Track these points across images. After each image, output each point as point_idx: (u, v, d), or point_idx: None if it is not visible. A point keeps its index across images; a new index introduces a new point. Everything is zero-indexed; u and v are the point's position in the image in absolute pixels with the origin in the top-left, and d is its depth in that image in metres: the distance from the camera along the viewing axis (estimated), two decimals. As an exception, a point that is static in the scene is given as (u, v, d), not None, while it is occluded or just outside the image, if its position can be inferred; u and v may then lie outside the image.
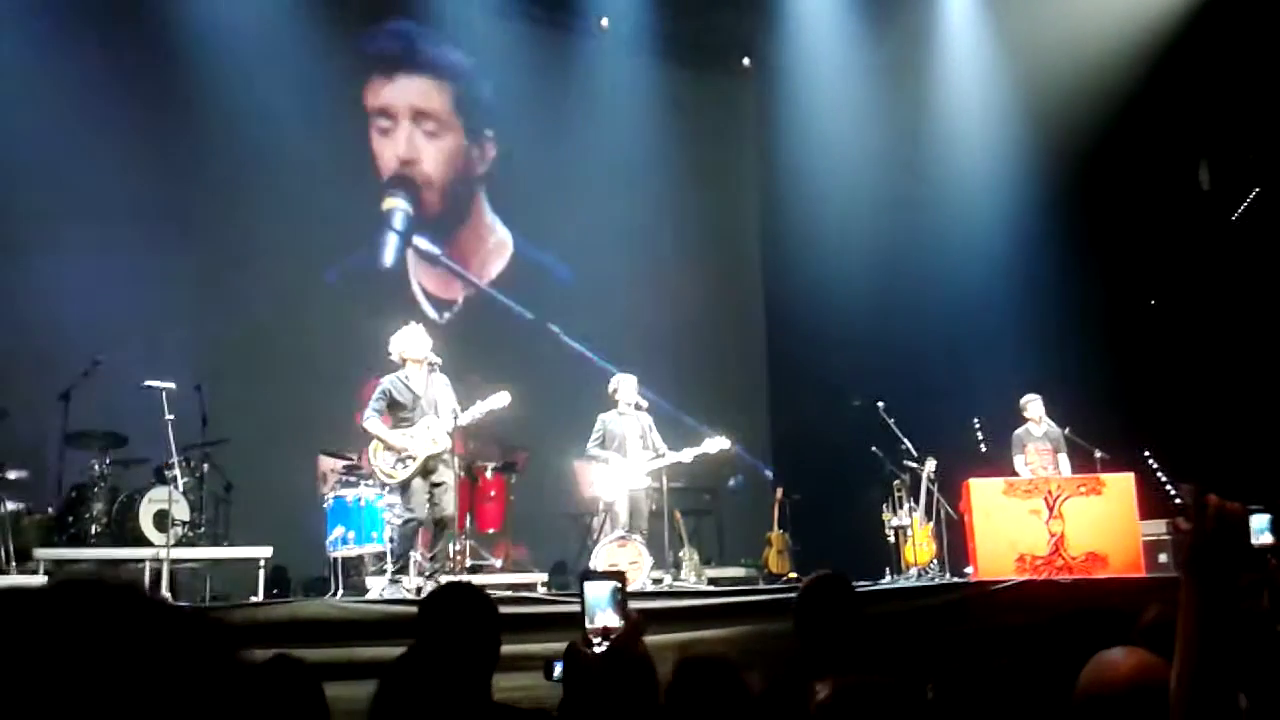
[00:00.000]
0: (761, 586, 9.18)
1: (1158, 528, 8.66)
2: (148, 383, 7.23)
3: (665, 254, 12.24)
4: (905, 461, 9.38)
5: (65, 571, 6.75)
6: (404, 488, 7.02)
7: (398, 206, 10.96)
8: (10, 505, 7.13)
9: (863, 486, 10.19)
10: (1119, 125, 10.43)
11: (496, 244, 11.67)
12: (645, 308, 11.82)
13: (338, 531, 7.46)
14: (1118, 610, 2.44)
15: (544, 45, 11.49)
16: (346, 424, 9.46)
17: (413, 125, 11.06)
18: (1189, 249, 10.56)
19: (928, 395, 10.21)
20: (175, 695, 0.74)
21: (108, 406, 7.69)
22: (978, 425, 9.55)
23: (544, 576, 8.83)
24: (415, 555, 7.22)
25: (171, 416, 7.15)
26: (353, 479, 7.90)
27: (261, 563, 7.51)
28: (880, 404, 9.38)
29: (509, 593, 6.99)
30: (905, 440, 9.30)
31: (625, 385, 8.38)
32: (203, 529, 7.84)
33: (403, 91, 11.12)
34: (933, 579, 8.68)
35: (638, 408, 8.39)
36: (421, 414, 7.06)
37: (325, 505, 7.69)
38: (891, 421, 9.32)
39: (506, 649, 2.63)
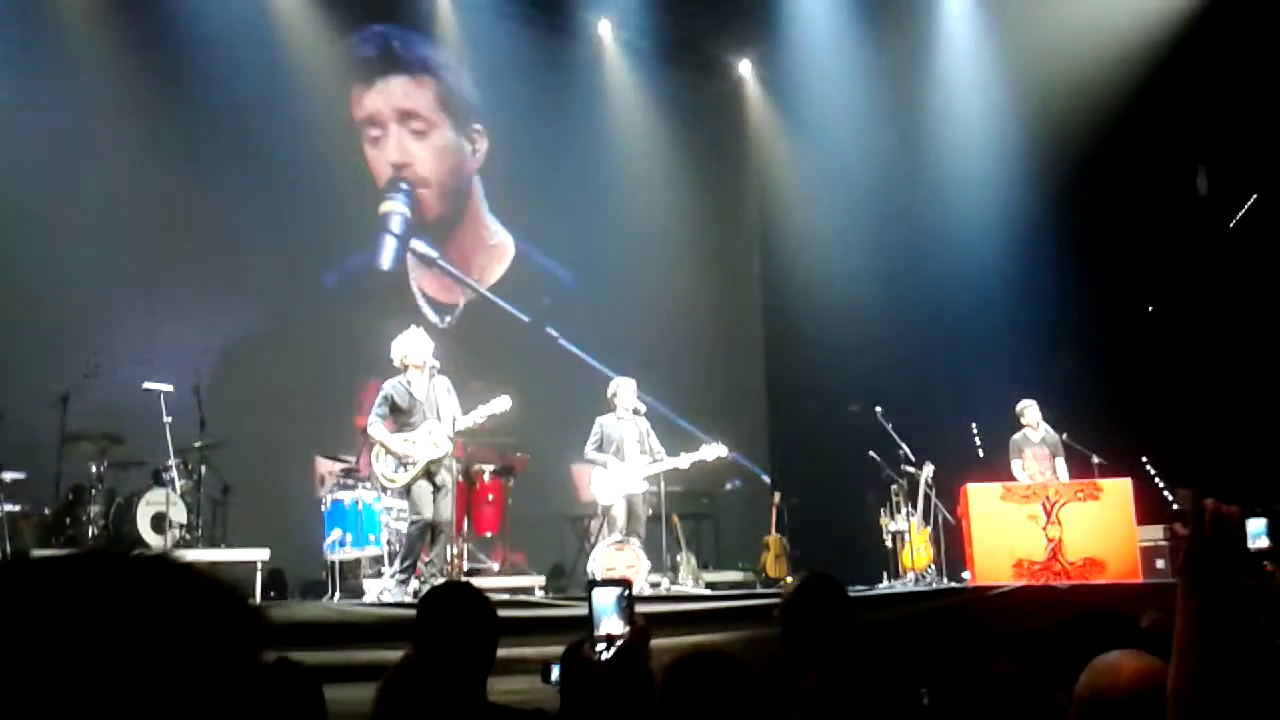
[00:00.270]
0: (759, 591, 9.17)
1: (1155, 533, 8.64)
2: (147, 385, 7.22)
3: (665, 259, 12.25)
4: (903, 466, 9.37)
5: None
6: (407, 491, 7.03)
7: (395, 210, 10.93)
8: (7, 507, 7.10)
9: (860, 491, 10.19)
10: (1117, 131, 10.44)
11: (497, 246, 11.66)
12: (644, 312, 11.82)
13: (335, 534, 7.46)
14: (1121, 613, 2.42)
15: (542, 49, 11.47)
16: (344, 427, 9.48)
17: (400, 127, 11.04)
18: (1187, 255, 10.58)
19: (925, 400, 10.22)
20: (189, 684, 0.73)
21: (106, 408, 7.67)
22: (975, 430, 9.55)
23: (541, 580, 8.83)
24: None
25: (170, 419, 7.14)
26: (350, 482, 7.91)
27: (259, 565, 7.49)
28: (878, 409, 9.39)
29: (506, 596, 6.99)
30: (903, 445, 9.30)
31: (624, 389, 8.37)
32: (200, 531, 7.82)
33: (385, 95, 11.08)
34: (930, 584, 8.68)
35: (636, 412, 8.39)
36: (423, 418, 7.06)
37: (323, 508, 7.69)
38: (889, 426, 9.32)
39: (503, 652, 2.62)
